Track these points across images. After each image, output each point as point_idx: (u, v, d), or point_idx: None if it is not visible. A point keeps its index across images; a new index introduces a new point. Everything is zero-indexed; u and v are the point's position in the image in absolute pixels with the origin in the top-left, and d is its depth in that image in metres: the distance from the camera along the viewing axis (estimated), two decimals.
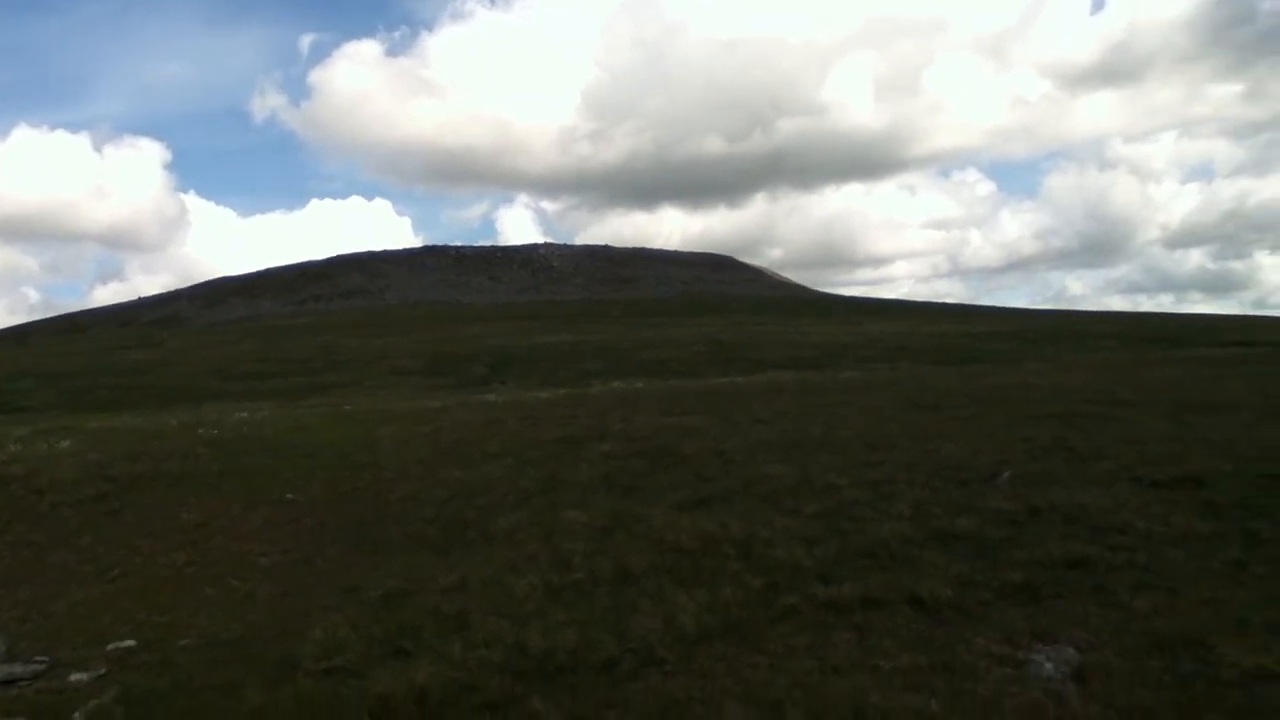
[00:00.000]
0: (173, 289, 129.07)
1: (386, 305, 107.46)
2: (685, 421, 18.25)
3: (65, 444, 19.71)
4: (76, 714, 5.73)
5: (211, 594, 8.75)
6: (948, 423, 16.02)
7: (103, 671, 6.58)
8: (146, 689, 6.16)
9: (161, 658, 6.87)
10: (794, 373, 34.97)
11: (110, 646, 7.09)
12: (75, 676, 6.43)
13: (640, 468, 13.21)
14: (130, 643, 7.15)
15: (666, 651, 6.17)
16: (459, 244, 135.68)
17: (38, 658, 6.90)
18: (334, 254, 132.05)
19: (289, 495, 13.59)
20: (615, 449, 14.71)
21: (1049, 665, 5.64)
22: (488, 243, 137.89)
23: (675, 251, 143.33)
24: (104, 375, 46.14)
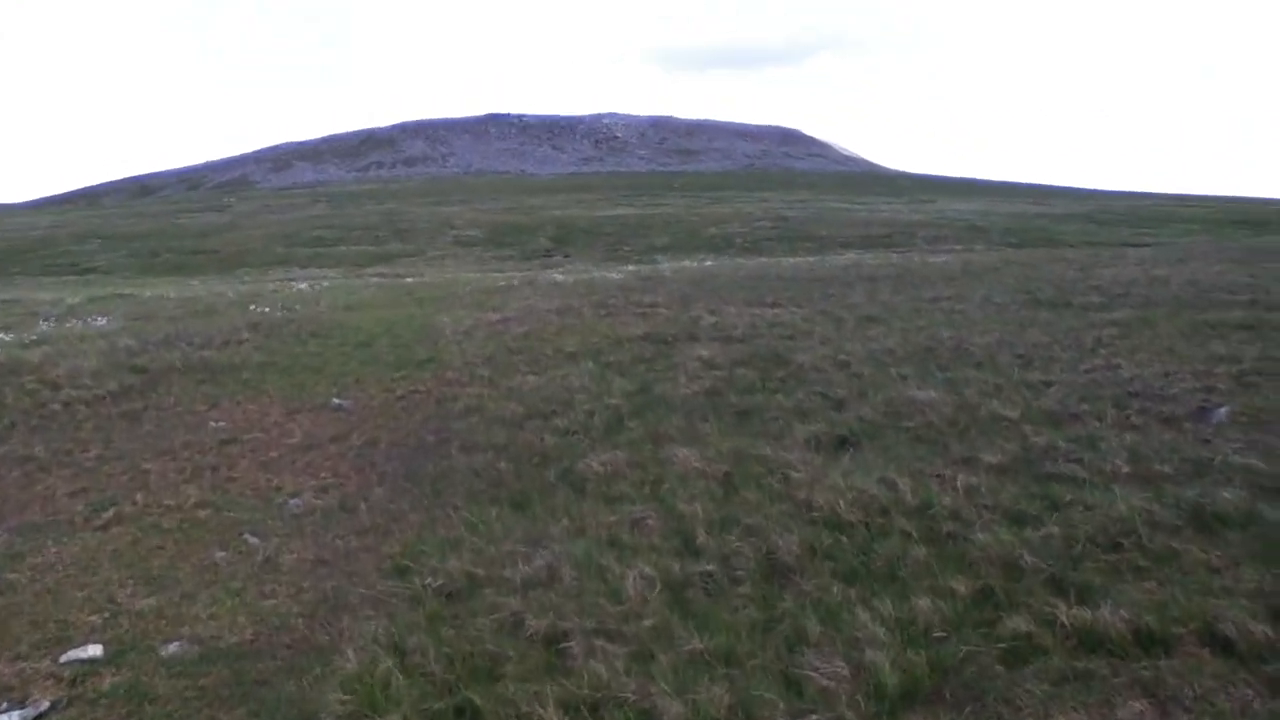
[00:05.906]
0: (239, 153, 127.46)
1: (450, 173, 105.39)
2: (782, 316, 16.02)
3: (101, 322, 18.03)
4: None
5: (221, 559, 6.71)
6: (1099, 328, 13.55)
7: (44, 709, 4.60)
8: None
9: (131, 680, 4.84)
10: (873, 254, 32.29)
11: (67, 657, 5.11)
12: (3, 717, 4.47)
13: (749, 381, 10.98)
14: (95, 650, 5.15)
15: None
16: (521, 112, 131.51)
17: None
18: (398, 121, 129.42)
19: (336, 400, 11.64)
20: (714, 354, 12.49)
21: None
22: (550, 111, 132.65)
23: (741, 124, 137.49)
24: (171, 238, 45.20)
